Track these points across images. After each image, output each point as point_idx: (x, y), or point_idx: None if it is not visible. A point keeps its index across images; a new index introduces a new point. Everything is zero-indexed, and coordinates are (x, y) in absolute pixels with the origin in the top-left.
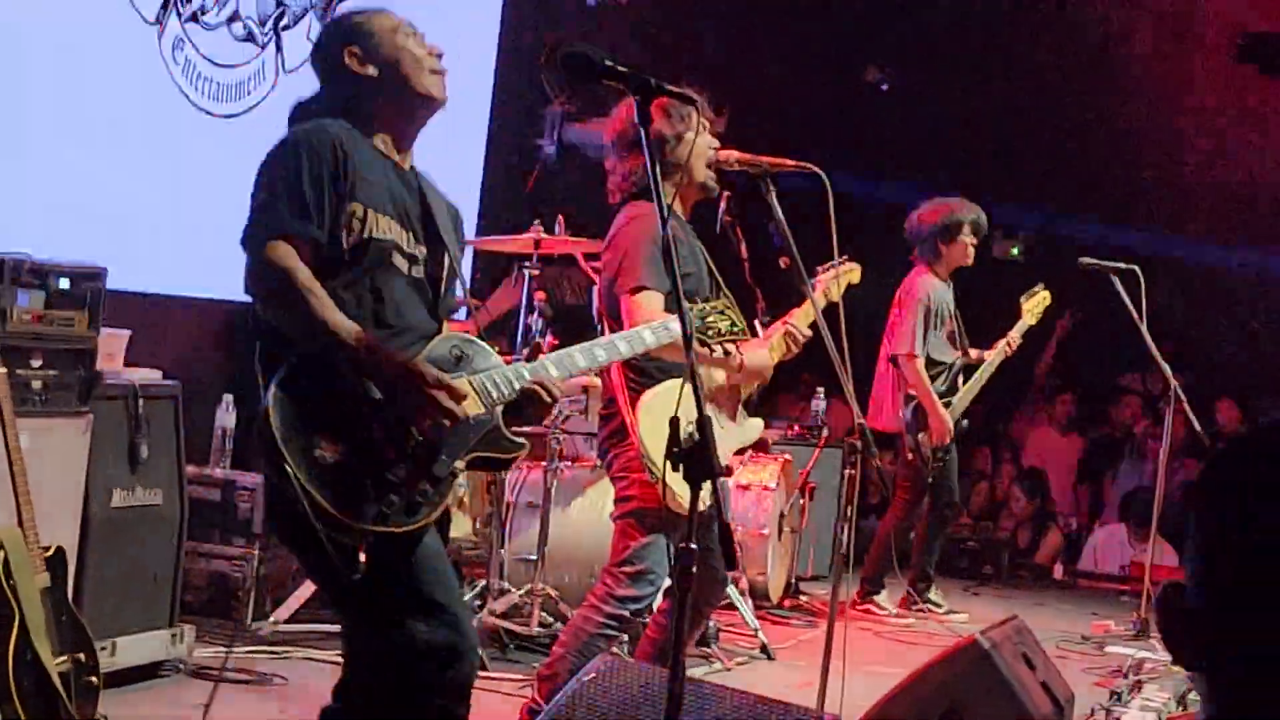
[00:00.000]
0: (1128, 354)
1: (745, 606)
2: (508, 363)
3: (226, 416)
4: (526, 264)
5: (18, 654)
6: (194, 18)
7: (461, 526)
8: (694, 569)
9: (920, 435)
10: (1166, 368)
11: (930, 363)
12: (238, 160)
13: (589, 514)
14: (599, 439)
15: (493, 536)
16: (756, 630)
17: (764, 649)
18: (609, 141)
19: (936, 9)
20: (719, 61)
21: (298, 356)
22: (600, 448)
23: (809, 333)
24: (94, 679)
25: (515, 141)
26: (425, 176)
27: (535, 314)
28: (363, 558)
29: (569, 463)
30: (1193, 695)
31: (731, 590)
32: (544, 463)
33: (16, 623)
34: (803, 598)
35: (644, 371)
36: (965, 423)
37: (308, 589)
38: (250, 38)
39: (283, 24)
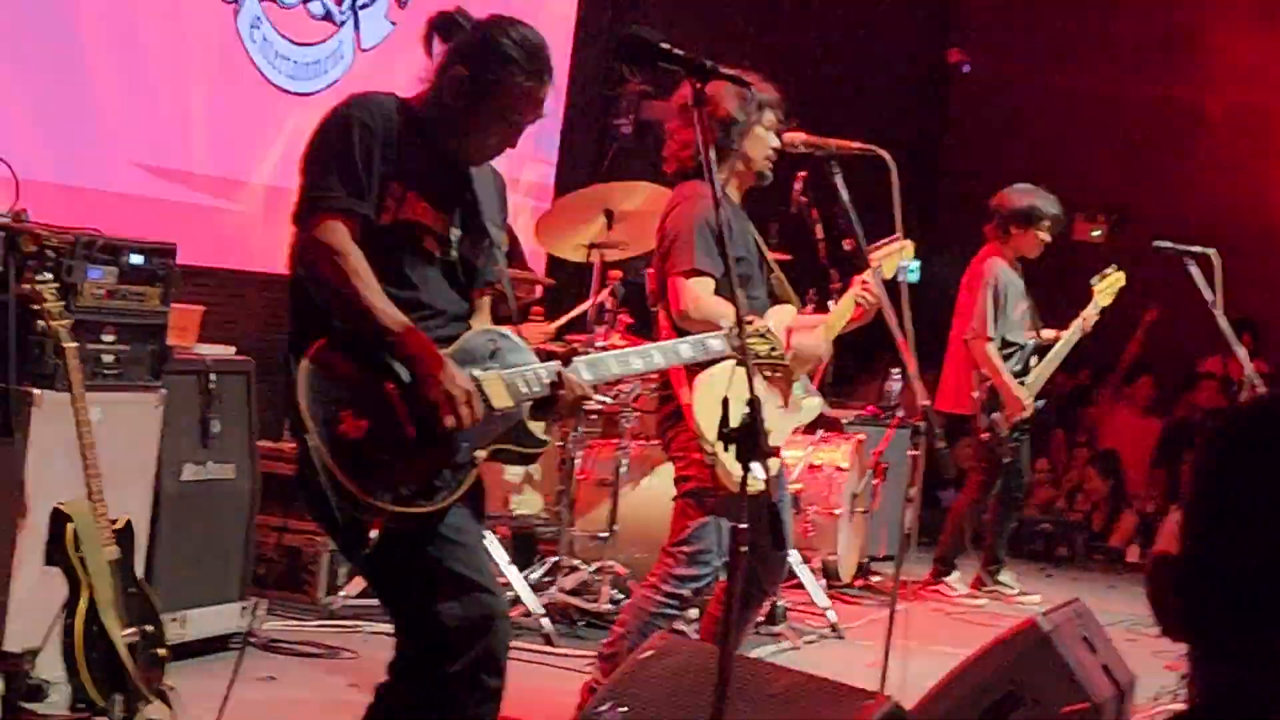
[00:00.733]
0: (1209, 338)
1: (815, 585)
2: (578, 343)
3: None
4: (598, 247)
5: (86, 626)
6: None
7: (533, 504)
8: (746, 549)
9: (995, 415)
10: (1243, 352)
11: (1004, 343)
12: None
13: (659, 491)
14: (657, 419)
15: (563, 513)
16: (826, 609)
17: (834, 628)
18: (677, 105)
19: None
20: (794, 43)
21: (333, 332)
22: (659, 427)
23: (881, 292)
24: (161, 650)
25: (591, 123)
26: None
27: (608, 292)
28: (373, 534)
29: (640, 440)
30: None
31: (802, 569)
32: (616, 440)
33: (85, 595)
34: (874, 578)
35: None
36: (1041, 403)
37: None
38: (328, 16)
39: (360, 3)
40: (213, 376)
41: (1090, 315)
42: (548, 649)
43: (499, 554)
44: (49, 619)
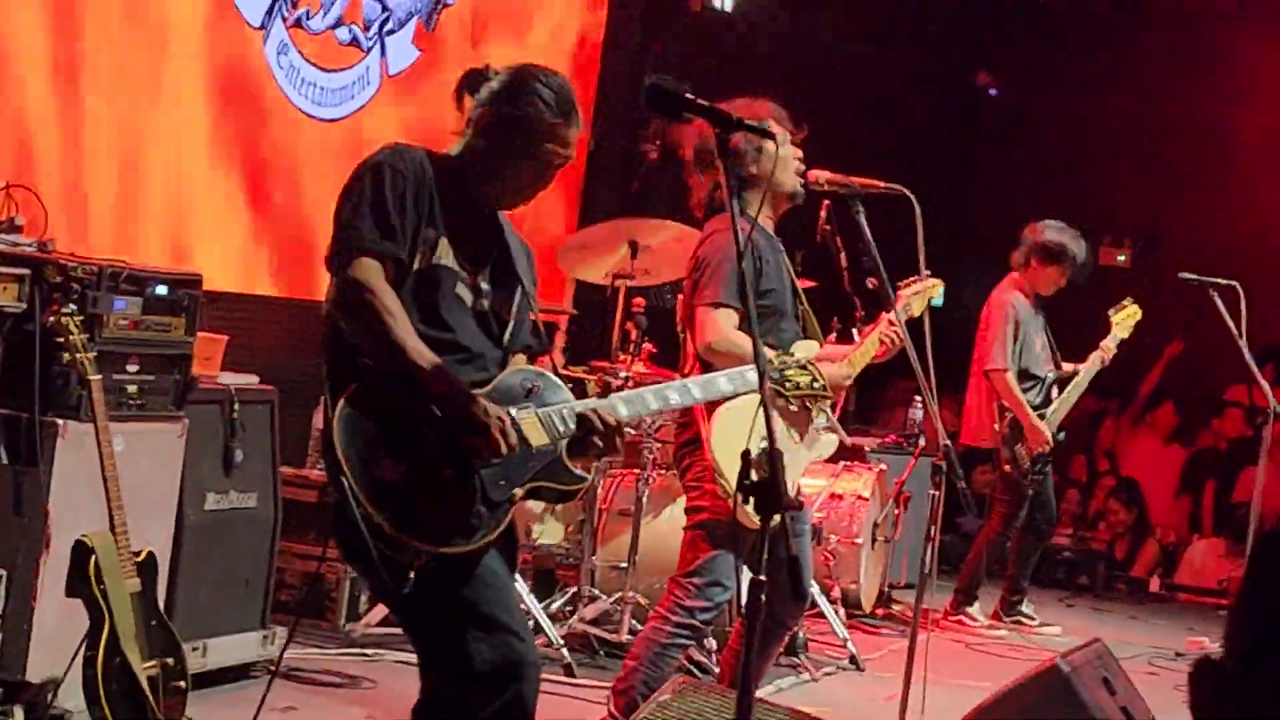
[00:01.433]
0: (1235, 366)
1: (835, 616)
2: (602, 371)
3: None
4: (620, 277)
5: (107, 658)
6: (299, 23)
7: (554, 533)
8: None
9: (1017, 448)
10: (1265, 385)
11: (1024, 375)
12: (341, 163)
13: (680, 523)
14: (674, 447)
15: (585, 543)
16: (846, 640)
17: (853, 659)
18: (689, 158)
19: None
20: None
21: (369, 375)
22: (675, 455)
23: (904, 333)
24: (182, 683)
25: (619, 148)
26: (501, 214)
27: (632, 323)
28: (411, 575)
29: (662, 471)
30: None
31: (822, 599)
32: (637, 470)
33: (106, 627)
34: (895, 607)
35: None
36: (1062, 435)
37: None
38: (355, 42)
39: (387, 29)
40: (236, 406)
41: (1109, 347)
42: (568, 679)
43: (519, 584)
44: (71, 650)
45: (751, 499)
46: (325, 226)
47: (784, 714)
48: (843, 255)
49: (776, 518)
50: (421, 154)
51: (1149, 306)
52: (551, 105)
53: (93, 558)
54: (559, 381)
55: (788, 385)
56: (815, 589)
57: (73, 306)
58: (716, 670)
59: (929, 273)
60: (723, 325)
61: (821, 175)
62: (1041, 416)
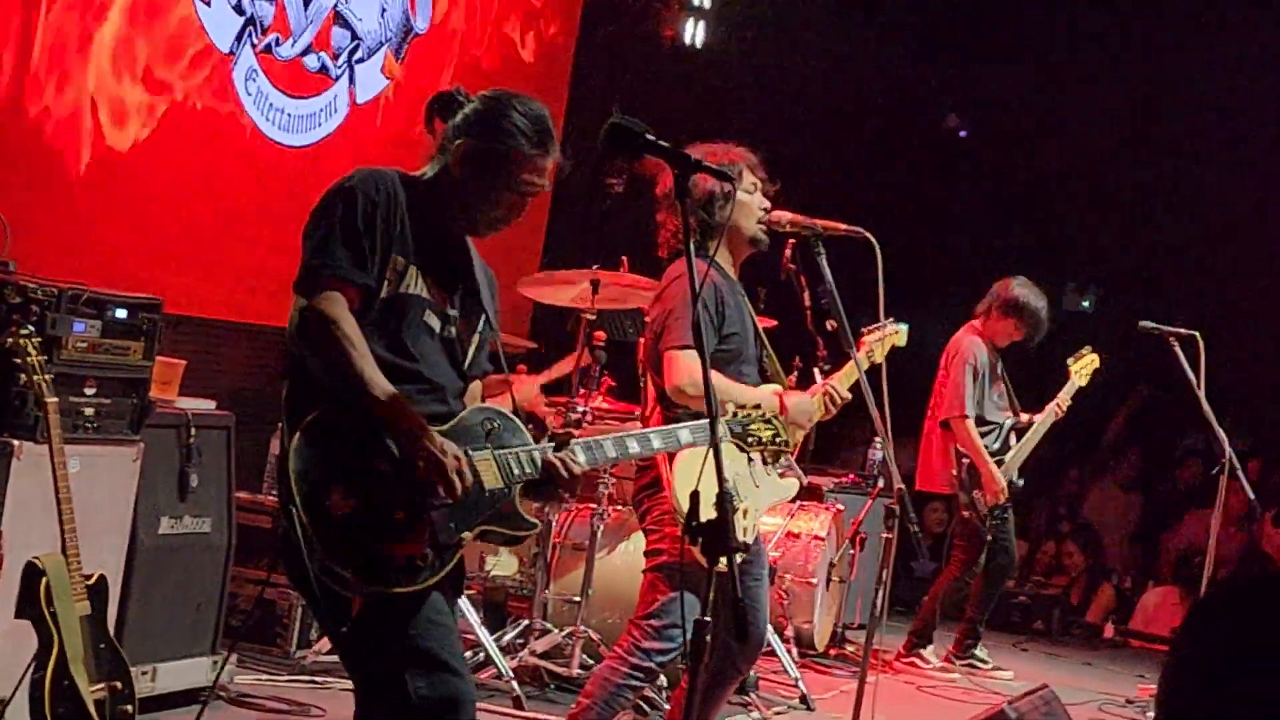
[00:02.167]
0: (1194, 415)
1: (787, 655)
2: (559, 408)
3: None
4: (584, 311)
5: (55, 680)
6: (268, 49)
7: (508, 565)
8: (710, 640)
9: (975, 493)
10: (1222, 435)
11: (981, 421)
12: (305, 189)
13: (634, 558)
14: (634, 489)
15: (538, 576)
16: (797, 680)
17: (804, 699)
18: (658, 195)
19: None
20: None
21: (327, 406)
22: (634, 498)
23: (848, 395)
24: (129, 707)
25: (583, 183)
26: (469, 240)
27: (591, 356)
28: (354, 611)
29: (618, 506)
30: None
31: (774, 638)
32: (593, 505)
33: (55, 650)
34: (849, 647)
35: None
36: (1020, 482)
37: None
38: (324, 70)
39: (357, 58)
40: (193, 430)
41: (1064, 399)
42: (517, 712)
43: (471, 614)
44: (19, 671)
45: (700, 539)
46: (288, 253)
47: None
48: (806, 295)
49: (723, 561)
50: (394, 176)
51: (1113, 353)
52: (530, 136)
53: (44, 580)
54: (519, 423)
55: (749, 440)
56: (769, 629)
57: (31, 328)
58: (666, 708)
59: (892, 319)
60: (694, 367)
61: (784, 216)
62: (1000, 463)
